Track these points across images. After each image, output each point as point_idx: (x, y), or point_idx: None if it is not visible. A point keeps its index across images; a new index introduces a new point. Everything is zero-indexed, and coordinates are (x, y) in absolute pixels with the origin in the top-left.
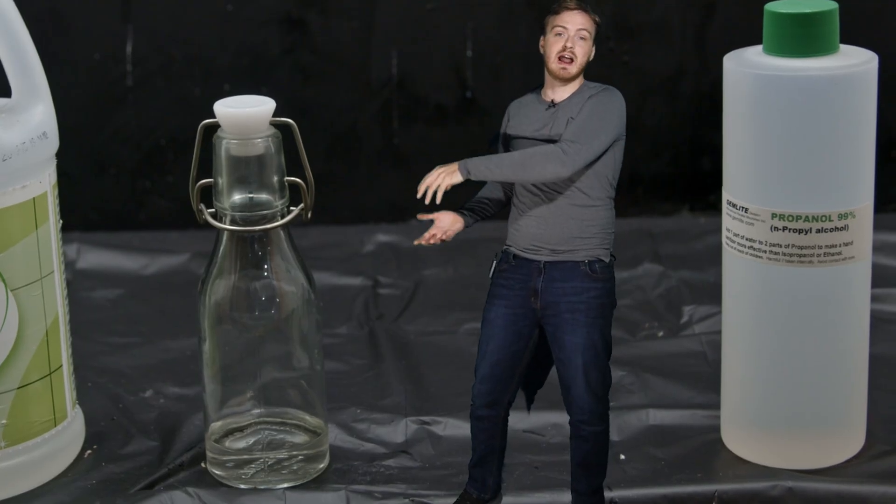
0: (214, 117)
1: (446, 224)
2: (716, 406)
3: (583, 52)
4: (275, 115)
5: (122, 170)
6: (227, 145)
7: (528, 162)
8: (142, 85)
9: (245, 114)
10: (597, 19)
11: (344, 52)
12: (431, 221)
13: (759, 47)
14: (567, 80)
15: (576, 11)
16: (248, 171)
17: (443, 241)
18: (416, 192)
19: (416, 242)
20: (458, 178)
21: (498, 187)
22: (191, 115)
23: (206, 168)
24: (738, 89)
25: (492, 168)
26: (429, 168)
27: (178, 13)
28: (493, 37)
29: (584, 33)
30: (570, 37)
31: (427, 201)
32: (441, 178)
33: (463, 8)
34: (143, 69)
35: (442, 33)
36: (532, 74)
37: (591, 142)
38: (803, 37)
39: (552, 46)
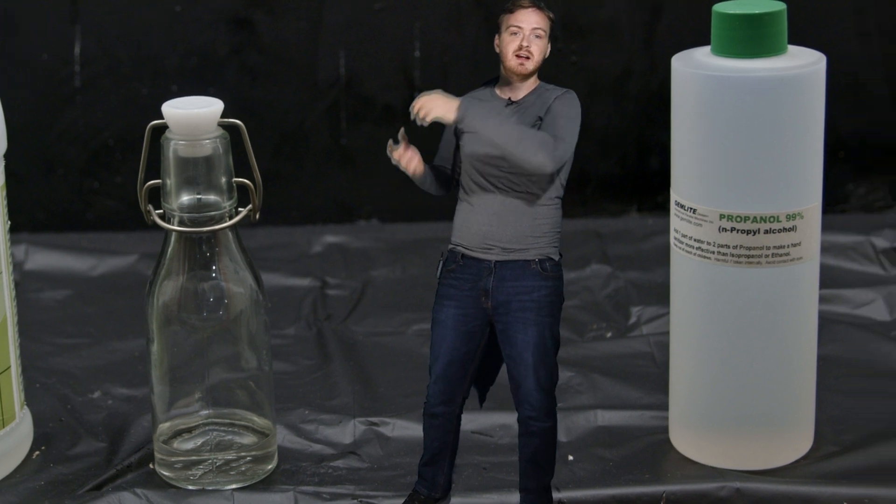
0: (162, 118)
1: (415, 160)
2: (664, 407)
3: (539, 49)
4: (223, 115)
5: (69, 170)
6: (175, 146)
7: (524, 140)
8: (90, 85)
9: (193, 115)
10: (551, 16)
11: (291, 53)
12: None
13: (708, 48)
14: (525, 77)
15: (530, 10)
16: (196, 171)
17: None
18: (363, 192)
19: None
20: (449, 119)
21: (449, 163)
22: (139, 115)
23: (155, 169)
24: (686, 90)
25: (488, 128)
26: (376, 169)
27: (126, 14)
28: (441, 37)
29: (540, 31)
30: (526, 35)
31: (419, 122)
32: (437, 110)
33: (410, 8)
34: (90, 70)
35: (390, 33)
36: (480, 74)
37: (571, 143)
38: (751, 38)
39: (508, 45)
